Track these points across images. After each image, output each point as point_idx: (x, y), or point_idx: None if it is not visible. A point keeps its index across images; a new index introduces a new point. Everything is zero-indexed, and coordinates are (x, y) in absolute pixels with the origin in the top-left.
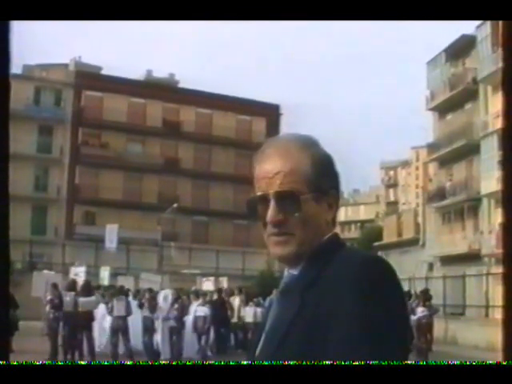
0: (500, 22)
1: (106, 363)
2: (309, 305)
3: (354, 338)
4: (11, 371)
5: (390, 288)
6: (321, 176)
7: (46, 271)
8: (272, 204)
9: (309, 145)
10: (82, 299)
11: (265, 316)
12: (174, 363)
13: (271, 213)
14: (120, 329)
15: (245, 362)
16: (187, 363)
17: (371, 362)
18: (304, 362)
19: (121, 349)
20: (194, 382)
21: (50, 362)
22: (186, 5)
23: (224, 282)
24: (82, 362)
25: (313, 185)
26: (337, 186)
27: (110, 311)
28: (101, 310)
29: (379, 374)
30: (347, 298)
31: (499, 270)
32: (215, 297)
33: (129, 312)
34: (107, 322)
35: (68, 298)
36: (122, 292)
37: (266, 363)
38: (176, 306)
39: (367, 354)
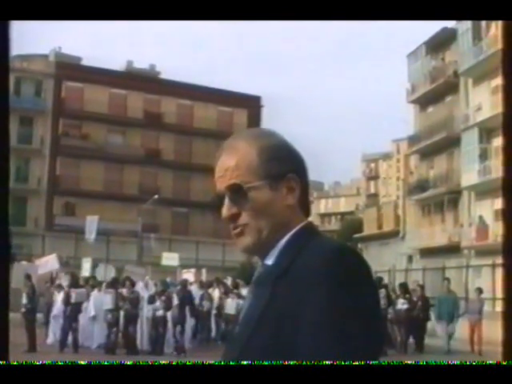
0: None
1: (105, 363)
2: (279, 295)
3: (324, 327)
4: (11, 371)
5: (360, 277)
6: (270, 162)
7: (24, 262)
8: (226, 200)
9: (257, 137)
10: (75, 291)
11: (242, 307)
12: (174, 363)
13: (224, 209)
14: (112, 322)
15: (245, 362)
16: (187, 363)
17: (371, 362)
18: (304, 362)
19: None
20: (194, 382)
21: (49, 362)
22: (184, 5)
23: (203, 274)
24: (82, 362)
25: (261, 172)
26: (296, 169)
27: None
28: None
29: (379, 374)
30: (317, 288)
31: (479, 262)
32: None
33: (117, 305)
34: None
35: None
36: (111, 284)
37: (265, 363)
38: (163, 297)
39: (337, 343)
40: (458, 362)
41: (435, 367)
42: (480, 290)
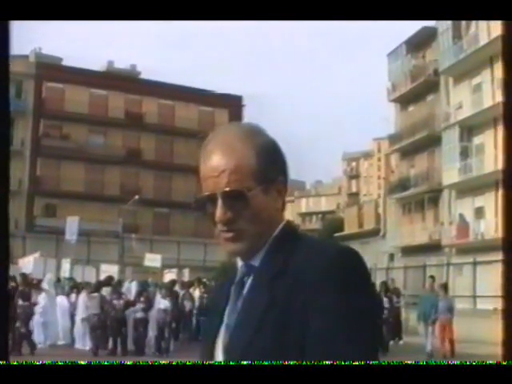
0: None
1: (105, 363)
2: (279, 295)
3: (332, 326)
4: (11, 371)
5: (363, 278)
6: (267, 166)
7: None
8: (219, 203)
9: (251, 135)
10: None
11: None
12: (174, 363)
13: (219, 212)
14: (98, 326)
15: (245, 362)
16: (187, 363)
17: (371, 362)
18: (304, 362)
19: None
20: (194, 382)
21: (49, 362)
22: (176, 5)
23: (185, 274)
24: (82, 362)
25: (260, 177)
26: (284, 171)
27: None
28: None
29: (379, 374)
30: (322, 289)
31: (459, 260)
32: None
33: (103, 308)
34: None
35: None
36: (96, 288)
37: (266, 363)
38: (142, 298)
39: (345, 341)
40: (458, 362)
41: (435, 367)
42: (445, 287)
